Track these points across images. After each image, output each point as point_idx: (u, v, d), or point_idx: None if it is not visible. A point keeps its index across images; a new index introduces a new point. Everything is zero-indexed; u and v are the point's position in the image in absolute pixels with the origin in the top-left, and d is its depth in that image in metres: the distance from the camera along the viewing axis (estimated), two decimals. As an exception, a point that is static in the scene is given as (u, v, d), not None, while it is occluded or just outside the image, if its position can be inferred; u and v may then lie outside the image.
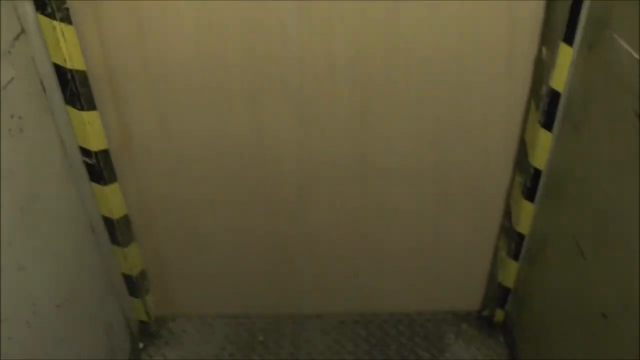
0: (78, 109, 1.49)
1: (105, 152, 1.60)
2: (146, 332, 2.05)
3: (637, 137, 1.21)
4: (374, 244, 1.93)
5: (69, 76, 1.44)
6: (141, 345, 2.02)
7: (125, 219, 1.76)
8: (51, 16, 1.35)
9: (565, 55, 1.44)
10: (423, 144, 1.69)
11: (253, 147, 1.68)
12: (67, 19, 1.38)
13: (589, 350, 1.46)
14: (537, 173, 1.65)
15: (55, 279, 1.45)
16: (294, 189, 1.78)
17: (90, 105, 1.52)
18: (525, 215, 1.73)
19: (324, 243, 1.93)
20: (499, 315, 2.05)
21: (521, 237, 1.79)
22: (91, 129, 1.53)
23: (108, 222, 1.71)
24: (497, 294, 1.99)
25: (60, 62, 1.42)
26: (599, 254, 1.40)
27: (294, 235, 1.90)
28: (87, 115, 1.51)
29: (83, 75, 1.48)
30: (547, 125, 1.56)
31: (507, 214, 1.82)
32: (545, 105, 1.53)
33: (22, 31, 1.34)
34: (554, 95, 1.51)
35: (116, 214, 1.70)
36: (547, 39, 1.49)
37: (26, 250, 1.31)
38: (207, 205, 1.81)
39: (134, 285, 1.89)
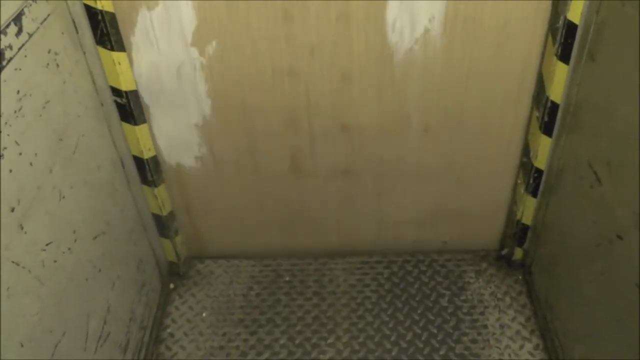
0: (108, 49, 1.55)
1: (134, 93, 1.67)
2: (175, 273, 2.14)
3: (652, 57, 1.25)
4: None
5: (99, 17, 1.50)
6: (172, 286, 2.11)
7: (155, 160, 1.83)
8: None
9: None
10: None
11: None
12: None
13: (604, 275, 1.51)
14: (554, 106, 1.68)
15: (92, 211, 1.53)
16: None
17: (119, 46, 1.58)
18: (543, 150, 1.77)
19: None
20: (518, 253, 2.10)
21: (539, 172, 1.83)
22: (120, 69, 1.59)
23: (138, 161, 1.78)
24: (516, 233, 2.03)
25: (90, 3, 1.48)
26: (615, 177, 1.43)
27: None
28: (116, 55, 1.57)
29: (112, 17, 1.54)
30: (564, 57, 1.59)
31: (526, 150, 1.85)
32: (562, 37, 1.56)
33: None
34: (571, 27, 1.54)
35: (146, 154, 1.77)
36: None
37: (65, 179, 1.38)
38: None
39: (163, 225, 1.97)
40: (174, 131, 1.83)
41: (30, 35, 1.25)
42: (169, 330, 1.98)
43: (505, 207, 2.06)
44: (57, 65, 1.37)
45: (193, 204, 2.05)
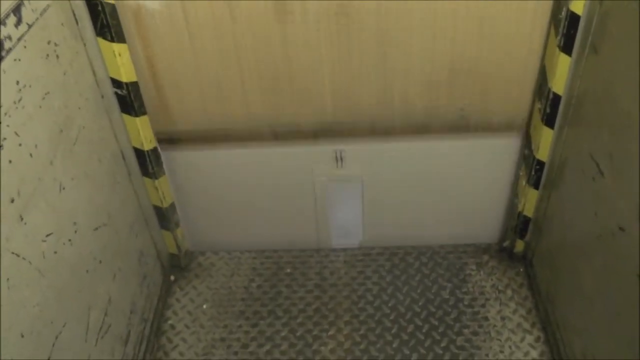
0: (108, 40, 1.55)
1: (135, 84, 1.66)
2: (176, 265, 2.14)
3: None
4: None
5: (99, 8, 1.50)
6: (172, 277, 2.11)
7: (155, 152, 1.83)
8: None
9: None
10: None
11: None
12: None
13: (605, 267, 1.51)
14: (557, 98, 1.67)
15: (92, 203, 1.53)
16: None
17: (120, 38, 1.57)
18: (545, 142, 1.76)
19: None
20: (519, 245, 2.09)
21: (541, 164, 1.82)
22: (121, 61, 1.59)
23: (139, 153, 1.78)
24: (518, 225, 2.03)
25: (90, -7, 1.47)
26: (617, 170, 1.43)
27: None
28: (116, 46, 1.56)
29: (112, 8, 1.53)
30: (567, 49, 1.58)
31: (527, 142, 1.84)
32: (565, 29, 1.55)
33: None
34: (574, 18, 1.53)
35: (147, 145, 1.76)
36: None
37: (65, 171, 1.38)
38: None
39: (164, 217, 1.97)
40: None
41: (29, 26, 1.25)
42: (170, 322, 1.98)
43: (507, 199, 2.05)
44: (57, 57, 1.37)
45: (159, 68, 1.71)
